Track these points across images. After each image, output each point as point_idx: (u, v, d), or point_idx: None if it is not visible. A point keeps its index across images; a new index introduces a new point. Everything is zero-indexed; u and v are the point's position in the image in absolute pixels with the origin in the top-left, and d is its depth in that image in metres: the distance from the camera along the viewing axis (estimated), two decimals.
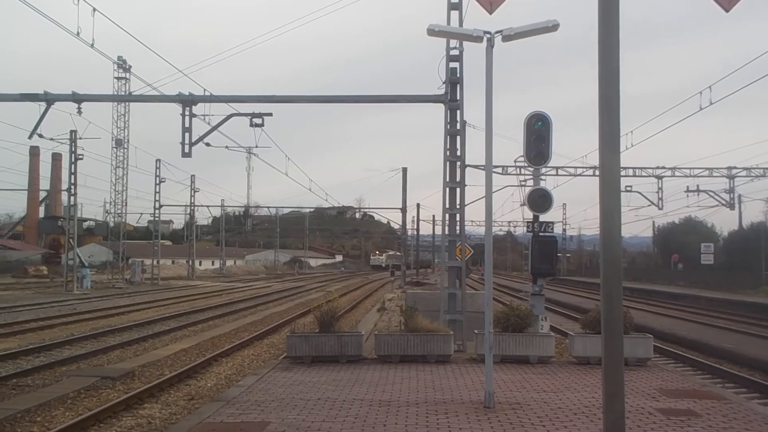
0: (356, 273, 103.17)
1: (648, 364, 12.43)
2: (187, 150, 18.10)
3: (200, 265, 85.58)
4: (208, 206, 79.24)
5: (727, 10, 8.86)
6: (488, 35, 8.87)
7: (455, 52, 14.90)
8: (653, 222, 73.97)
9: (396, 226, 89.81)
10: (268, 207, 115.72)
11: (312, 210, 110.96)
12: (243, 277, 78.05)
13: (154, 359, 15.34)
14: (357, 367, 11.84)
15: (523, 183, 40.48)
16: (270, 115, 18.60)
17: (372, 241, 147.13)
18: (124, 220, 62.48)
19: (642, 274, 67.40)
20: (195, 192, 69.76)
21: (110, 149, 60.31)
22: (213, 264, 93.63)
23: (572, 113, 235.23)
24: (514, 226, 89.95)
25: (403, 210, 52.11)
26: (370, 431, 7.55)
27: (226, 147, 23.88)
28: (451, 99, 15.13)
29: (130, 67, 51.93)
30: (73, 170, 43.92)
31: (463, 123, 15.42)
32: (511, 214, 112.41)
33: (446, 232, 15.55)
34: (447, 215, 15.33)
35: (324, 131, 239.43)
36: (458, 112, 15.21)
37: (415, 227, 74.65)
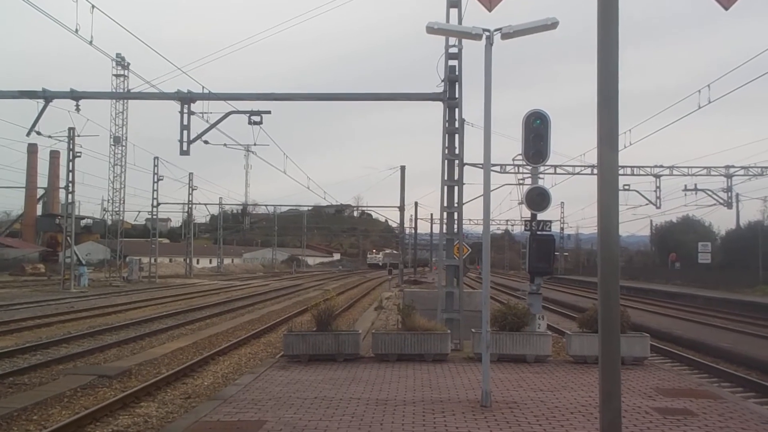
0: (354, 271, 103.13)
1: (645, 363, 12.44)
2: (185, 148, 18.07)
3: (198, 263, 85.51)
4: (206, 204, 79.56)
5: (726, 8, 8.85)
6: (487, 33, 8.85)
7: (454, 50, 14.89)
8: (651, 221, 74.14)
9: (394, 225, 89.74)
10: (266, 205, 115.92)
11: (310, 208, 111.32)
12: (240, 276, 78.00)
13: (151, 358, 15.32)
14: (354, 366, 11.83)
15: (521, 181, 40.54)
16: (268, 112, 18.59)
17: (370, 239, 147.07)
18: (121, 218, 62.30)
19: (639, 273, 67.50)
20: (193, 190, 69.78)
21: (108, 147, 60.18)
22: (210, 262, 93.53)
23: (571, 111, 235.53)
24: (512, 225, 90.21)
25: (402, 208, 52.18)
26: (367, 430, 7.54)
27: (225, 145, 23.90)
28: (450, 97, 15.11)
29: (128, 64, 51.83)
30: (71, 168, 43.84)
31: (462, 121, 15.42)
32: (509, 212, 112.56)
33: (444, 231, 15.54)
34: (445, 214, 15.32)
35: (322, 129, 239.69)
36: (457, 110, 15.19)
37: (414, 226, 74.76)
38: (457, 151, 15.19)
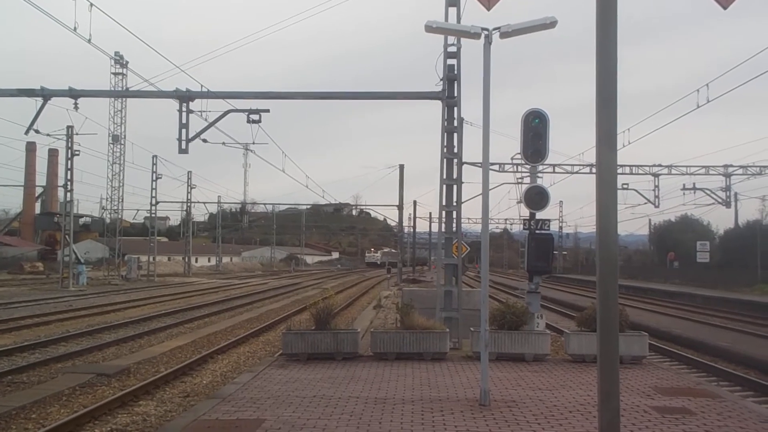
0: (353, 270, 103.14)
1: (643, 362, 12.45)
2: (183, 146, 18.06)
3: (196, 261, 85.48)
4: (204, 203, 79.65)
5: (724, 8, 8.84)
6: (486, 32, 8.84)
7: (453, 49, 14.89)
8: (650, 220, 74.24)
9: (393, 224, 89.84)
10: (264, 204, 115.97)
11: (309, 207, 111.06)
12: (239, 274, 77.98)
13: (149, 356, 15.32)
14: (353, 365, 11.83)
15: (519, 180, 40.62)
16: (267, 111, 18.58)
17: (369, 238, 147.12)
18: (120, 216, 62.28)
19: (638, 271, 67.55)
20: (191, 188, 69.79)
21: (107, 145, 60.12)
22: (209, 261, 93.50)
23: (570, 111, 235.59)
24: (511, 224, 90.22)
25: (400, 207, 52.21)
26: (366, 429, 7.54)
27: (223, 143, 23.90)
28: (449, 96, 15.11)
29: (127, 62, 51.79)
30: (69, 166, 43.77)
31: (461, 120, 15.41)
32: (508, 211, 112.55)
33: (443, 230, 15.55)
34: (444, 212, 15.32)
35: (321, 128, 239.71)
36: (456, 109, 15.19)
37: (412, 224, 74.76)
38: (455, 150, 15.19)
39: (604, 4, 5.63)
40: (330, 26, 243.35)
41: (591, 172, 37.25)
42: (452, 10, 14.78)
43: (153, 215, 63.27)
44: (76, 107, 18.25)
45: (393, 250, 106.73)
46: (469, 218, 74.99)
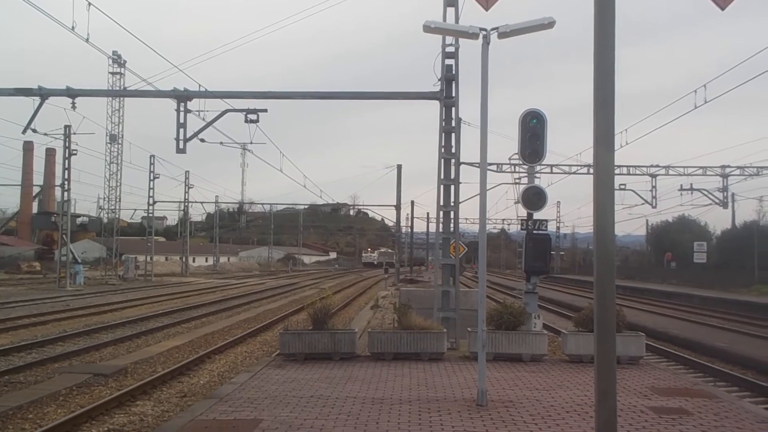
0: (350, 270, 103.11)
1: (640, 362, 12.47)
2: (181, 146, 18.06)
3: (194, 261, 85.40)
4: (202, 202, 79.64)
5: (722, 9, 8.86)
6: (484, 32, 8.85)
7: (451, 49, 14.90)
8: (647, 220, 74.35)
9: (390, 224, 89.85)
10: (262, 203, 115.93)
11: (306, 207, 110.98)
12: (236, 274, 77.92)
13: (146, 356, 15.30)
14: (350, 365, 11.83)
15: (517, 181, 40.67)
16: (265, 111, 18.58)
17: (366, 238, 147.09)
18: (117, 216, 62.18)
19: (635, 272, 67.59)
20: (189, 188, 69.75)
21: (104, 145, 60.02)
22: (207, 261, 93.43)
23: (568, 111, 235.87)
24: (508, 224, 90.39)
25: (398, 207, 52.23)
26: (363, 429, 7.54)
27: (221, 143, 23.91)
28: (447, 96, 15.12)
29: (124, 62, 51.70)
30: (67, 165, 43.70)
31: (459, 120, 15.42)
32: (506, 211, 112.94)
33: (440, 230, 15.55)
34: (441, 212, 15.33)
35: (319, 128, 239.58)
36: (453, 109, 15.20)
37: (410, 224, 74.81)
38: (453, 150, 15.19)
39: (602, 4, 5.63)
40: (328, 26, 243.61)
41: (588, 173, 37.31)
42: (450, 11, 14.79)
43: (150, 215, 63.21)
44: (73, 106, 18.26)
45: (390, 250, 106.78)
46: (466, 218, 75.05)
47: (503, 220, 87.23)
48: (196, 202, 73.82)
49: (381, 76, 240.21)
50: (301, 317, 20.41)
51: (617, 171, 36.07)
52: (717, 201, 43.49)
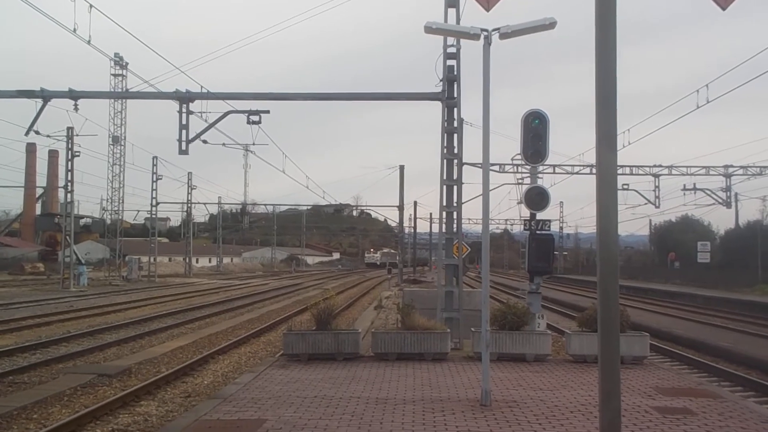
0: (353, 271, 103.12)
1: (644, 362, 12.45)
2: (183, 147, 18.06)
3: (197, 262, 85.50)
4: (205, 203, 79.51)
5: (723, 8, 8.86)
6: (485, 33, 8.85)
7: (452, 50, 14.89)
8: (650, 220, 74.23)
9: (393, 224, 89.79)
10: (265, 204, 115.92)
11: (309, 207, 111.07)
12: (240, 275, 78.01)
13: (150, 356, 15.33)
14: (354, 365, 11.83)
15: (520, 181, 40.56)
16: (267, 112, 18.58)
17: (369, 238, 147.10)
18: (120, 217, 62.27)
19: (639, 272, 67.51)
20: (192, 189, 69.80)
21: (107, 146, 60.08)
22: (210, 261, 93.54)
23: (570, 111, 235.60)
24: (511, 224, 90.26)
25: (401, 208, 52.22)
26: (367, 429, 7.55)
27: (223, 144, 23.86)
28: (449, 96, 15.12)
29: (126, 64, 51.73)
30: (69, 167, 43.82)
31: (461, 121, 15.42)
32: (508, 212, 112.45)
33: (443, 230, 15.55)
34: (444, 213, 15.33)
35: (321, 128, 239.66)
36: (455, 109, 15.20)
37: (413, 225, 74.79)
38: (456, 151, 15.19)
39: (604, 4, 5.64)
40: (330, 27, 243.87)
41: (591, 173, 37.23)
42: (452, 11, 14.79)
43: (153, 216, 63.30)
44: (76, 108, 18.24)
45: (392, 251, 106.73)
46: (469, 219, 74.98)
47: (506, 220, 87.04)
48: (199, 203, 73.94)
49: (383, 77, 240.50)
50: (305, 318, 20.47)
51: (620, 171, 35.86)
52: (720, 201, 43.39)
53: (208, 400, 9.62)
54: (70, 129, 41.43)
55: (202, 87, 18.67)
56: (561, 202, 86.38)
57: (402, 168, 50.34)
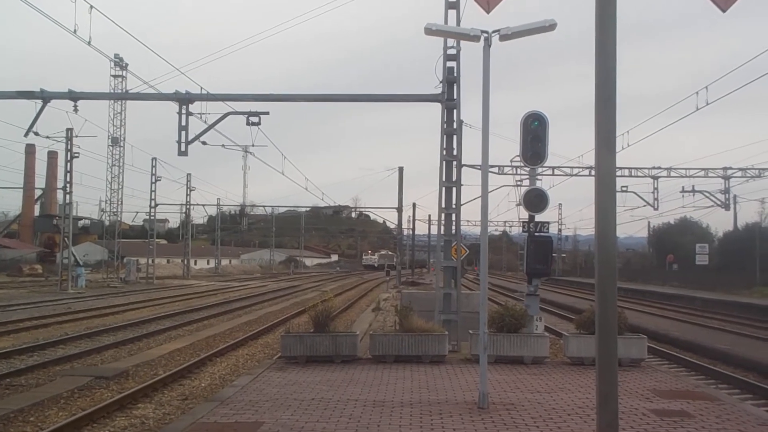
0: (352, 272, 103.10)
1: (642, 364, 12.45)
2: (183, 148, 18.04)
3: (195, 264, 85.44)
4: (203, 205, 79.20)
5: (723, 10, 8.85)
6: (485, 34, 8.86)
7: (452, 52, 14.90)
8: (648, 222, 74.30)
9: (392, 226, 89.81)
10: (263, 206, 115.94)
11: (308, 209, 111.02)
12: (238, 277, 77.95)
13: (148, 359, 15.30)
14: (352, 367, 11.82)
15: (519, 183, 40.61)
16: (266, 113, 18.57)
17: (368, 240, 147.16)
18: (119, 218, 62.37)
19: (637, 274, 67.54)
20: (191, 191, 69.68)
21: (106, 147, 60.18)
22: (208, 263, 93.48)
23: (569, 113, 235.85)
24: (510, 226, 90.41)
25: (399, 209, 52.17)
26: None
27: (223, 146, 23.84)
28: (448, 98, 15.12)
29: (126, 65, 51.80)
30: (68, 168, 43.79)
31: (460, 122, 15.41)
32: (507, 213, 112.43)
33: (442, 232, 15.54)
34: (443, 215, 15.32)
35: (320, 130, 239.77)
36: (455, 111, 15.20)
37: (411, 227, 74.77)
38: (455, 153, 15.19)
39: (603, 5, 5.64)
40: (329, 28, 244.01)
41: (590, 175, 37.27)
42: (452, 13, 14.80)
43: (152, 217, 63.23)
44: (75, 110, 18.22)
45: (390, 252, 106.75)
46: (468, 220, 74.92)
47: (505, 222, 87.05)
48: (197, 204, 73.66)
49: (382, 79, 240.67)
50: (303, 320, 20.44)
51: (619, 173, 35.80)
52: (719, 203, 43.42)
53: (206, 402, 9.60)
54: (69, 130, 41.42)
55: (201, 88, 18.66)
56: (560, 204, 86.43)
57: (401, 169, 50.36)
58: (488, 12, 11.11)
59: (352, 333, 13.24)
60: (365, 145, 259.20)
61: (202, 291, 44.63)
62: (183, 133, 17.95)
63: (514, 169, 39.23)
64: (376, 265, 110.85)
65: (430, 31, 9.08)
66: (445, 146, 15.14)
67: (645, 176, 41.71)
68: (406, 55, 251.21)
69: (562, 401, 9.22)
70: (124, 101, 54.92)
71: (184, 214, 75.41)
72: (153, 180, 59.17)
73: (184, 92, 17.75)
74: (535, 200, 13.31)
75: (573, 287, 59.35)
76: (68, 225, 45.04)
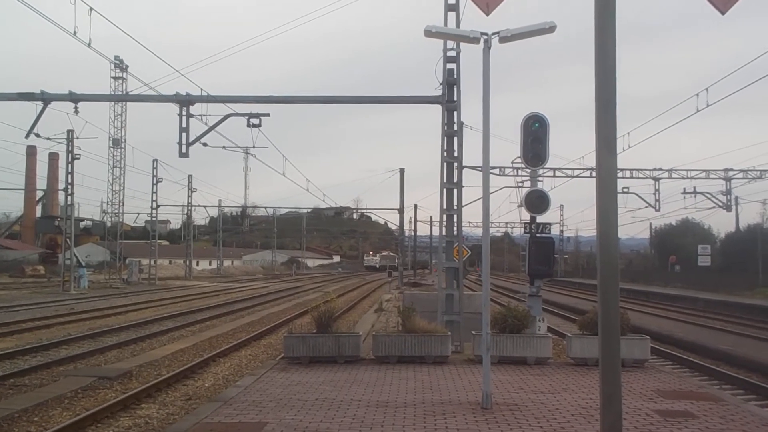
0: (353, 273, 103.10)
1: (645, 365, 12.45)
2: (184, 150, 18.06)
3: (197, 265, 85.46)
4: (205, 206, 79.29)
5: (723, 12, 8.87)
6: (485, 36, 8.87)
7: (452, 53, 14.91)
8: (650, 223, 74.10)
9: (393, 227, 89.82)
10: (265, 207, 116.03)
11: (309, 210, 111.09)
12: (240, 278, 77.97)
13: (151, 359, 15.33)
14: (354, 368, 11.84)
15: (520, 184, 40.53)
16: (267, 115, 18.58)
17: (369, 241, 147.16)
18: (121, 219, 62.46)
19: (639, 275, 67.45)
20: (192, 192, 69.73)
21: (107, 149, 60.25)
22: (210, 264, 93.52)
23: (570, 114, 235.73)
24: (512, 228, 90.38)
25: (401, 211, 52.11)
26: None
27: (224, 147, 23.86)
28: (449, 100, 15.13)
29: (127, 66, 51.94)
30: (70, 170, 43.89)
31: (461, 124, 15.43)
32: (509, 215, 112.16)
33: (444, 233, 15.56)
34: (444, 216, 15.33)
35: (321, 132, 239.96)
36: (455, 113, 15.21)
37: (413, 228, 74.71)
38: (456, 154, 15.20)
39: (603, 7, 5.65)
40: (330, 30, 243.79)
41: (591, 176, 37.24)
42: (452, 15, 14.82)
43: (154, 219, 63.32)
44: (76, 111, 18.26)
45: (392, 253, 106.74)
46: (469, 222, 74.93)
47: (506, 223, 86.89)
48: (199, 205, 73.77)
49: (382, 80, 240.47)
50: (306, 320, 20.44)
51: (620, 174, 35.94)
52: (720, 204, 43.37)
53: (209, 403, 9.62)
54: (70, 132, 41.52)
55: (202, 90, 18.69)
56: (561, 205, 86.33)
57: (402, 171, 50.30)
58: (487, 14, 11.14)
59: (355, 333, 13.26)
60: (366, 146, 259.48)
61: (205, 292, 44.67)
62: (184, 134, 17.97)
63: (516, 170, 39.21)
64: (377, 266, 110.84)
65: (429, 33, 9.10)
66: (445, 148, 15.15)
67: (646, 177, 41.69)
68: (406, 57, 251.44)
69: (565, 402, 9.23)
70: (124, 103, 54.96)
71: (185, 216, 75.67)
72: (154, 181, 59.28)
73: (184, 94, 17.78)
74: (537, 201, 13.34)
75: (575, 288, 59.31)
76: (70, 226, 45.11)
